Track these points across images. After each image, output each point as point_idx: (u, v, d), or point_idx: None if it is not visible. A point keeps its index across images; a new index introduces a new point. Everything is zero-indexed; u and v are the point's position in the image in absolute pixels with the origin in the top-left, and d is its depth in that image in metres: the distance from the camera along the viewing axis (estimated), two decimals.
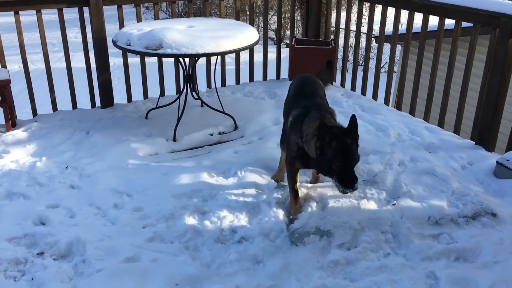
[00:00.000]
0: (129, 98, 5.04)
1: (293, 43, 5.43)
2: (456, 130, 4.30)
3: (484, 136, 3.95)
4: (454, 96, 4.36)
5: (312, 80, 3.40)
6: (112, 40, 4.12)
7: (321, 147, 2.77)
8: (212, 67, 4.85)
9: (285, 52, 5.59)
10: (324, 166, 2.81)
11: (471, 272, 2.61)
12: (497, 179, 3.45)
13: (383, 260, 2.74)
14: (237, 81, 5.48)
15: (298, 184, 3.14)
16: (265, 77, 5.61)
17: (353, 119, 2.77)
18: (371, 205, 3.15)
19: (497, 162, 3.50)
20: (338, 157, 2.71)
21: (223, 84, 5.39)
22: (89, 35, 4.59)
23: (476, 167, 3.64)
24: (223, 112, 4.47)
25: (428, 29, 4.44)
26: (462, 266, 2.68)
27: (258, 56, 5.44)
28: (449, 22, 4.28)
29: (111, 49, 4.55)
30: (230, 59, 5.56)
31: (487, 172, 3.53)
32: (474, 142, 4.04)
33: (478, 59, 4.25)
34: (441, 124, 4.43)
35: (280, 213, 3.08)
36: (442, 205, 3.12)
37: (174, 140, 4.15)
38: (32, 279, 2.63)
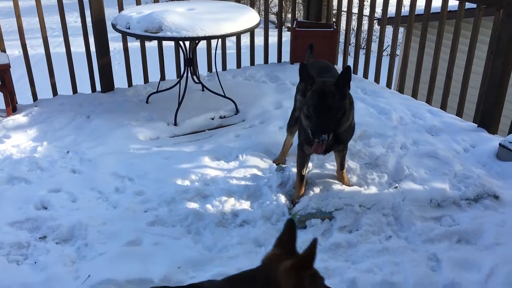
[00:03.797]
0: (130, 83, 5.01)
1: (294, 26, 5.38)
2: (459, 113, 4.28)
3: (487, 118, 3.92)
4: (457, 78, 4.32)
5: (332, 67, 3.34)
6: (112, 24, 4.08)
7: (303, 90, 2.78)
8: (213, 51, 4.81)
9: (286, 36, 5.53)
10: (304, 111, 2.80)
11: (473, 254, 2.62)
12: (500, 162, 3.44)
13: (384, 242, 2.74)
14: (238, 64, 5.44)
15: (306, 170, 3.10)
16: (266, 60, 5.56)
17: (347, 70, 2.71)
18: (372, 188, 3.14)
19: (499, 144, 3.48)
20: (314, 98, 2.69)
21: (224, 68, 5.35)
22: (88, 19, 4.55)
23: (479, 149, 3.63)
24: (224, 96, 4.44)
25: (431, 11, 4.39)
26: (464, 248, 2.69)
27: (259, 40, 5.38)
28: (453, 4, 4.22)
29: (111, 34, 4.52)
30: (230, 43, 5.51)
31: (489, 154, 3.52)
32: (476, 125, 4.02)
33: (481, 41, 4.20)
34: (443, 106, 4.40)
35: (282, 197, 3.08)
36: (444, 188, 3.11)
37: (175, 124, 4.13)
38: (35, 262, 2.65)
